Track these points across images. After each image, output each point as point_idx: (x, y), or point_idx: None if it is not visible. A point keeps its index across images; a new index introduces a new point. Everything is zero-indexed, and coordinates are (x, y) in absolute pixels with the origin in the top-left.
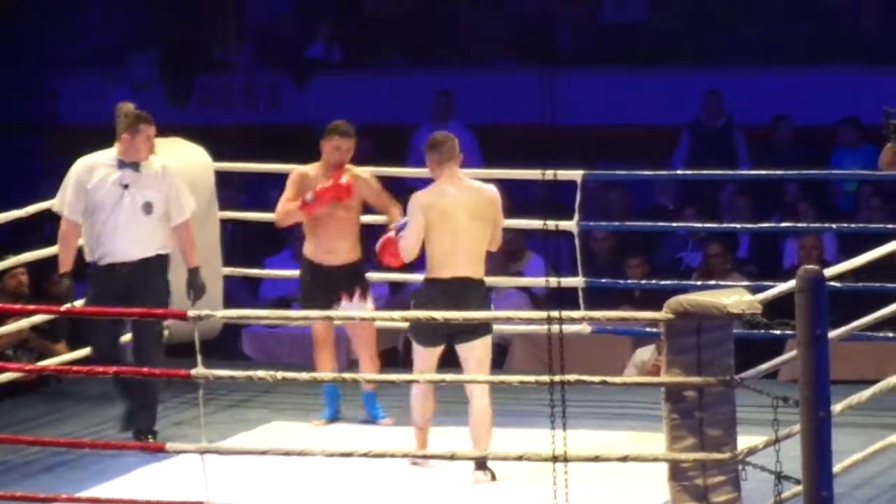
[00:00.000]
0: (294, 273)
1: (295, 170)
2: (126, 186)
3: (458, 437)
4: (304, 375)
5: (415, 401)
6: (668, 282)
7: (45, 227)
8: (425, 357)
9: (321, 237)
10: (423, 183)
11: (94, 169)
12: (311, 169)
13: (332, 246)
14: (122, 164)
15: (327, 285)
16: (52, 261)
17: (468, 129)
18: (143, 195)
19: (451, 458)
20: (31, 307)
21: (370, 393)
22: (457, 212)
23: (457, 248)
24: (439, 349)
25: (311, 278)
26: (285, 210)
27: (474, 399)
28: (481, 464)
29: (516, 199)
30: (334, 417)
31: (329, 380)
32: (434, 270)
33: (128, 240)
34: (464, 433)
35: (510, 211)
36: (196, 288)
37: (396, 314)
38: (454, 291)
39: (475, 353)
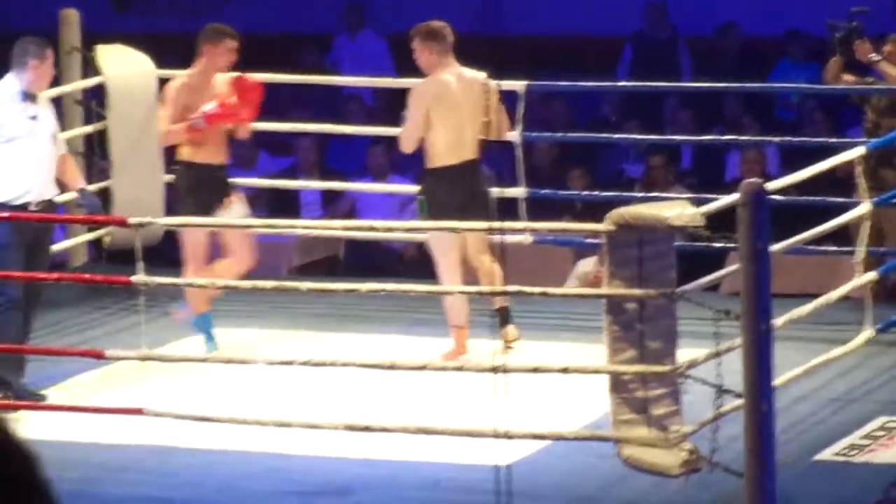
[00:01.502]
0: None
1: (172, 84)
2: (34, 118)
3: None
4: (245, 283)
5: (449, 299)
6: (610, 193)
7: None
8: (450, 246)
9: (205, 140)
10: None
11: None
12: (189, 77)
13: (217, 144)
14: (25, 96)
15: (216, 186)
16: None
17: (382, 38)
18: (48, 127)
19: (391, 367)
20: None
21: (206, 315)
22: (460, 102)
23: (462, 137)
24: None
25: (199, 181)
26: (168, 132)
27: (476, 261)
28: (505, 319)
29: None
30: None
31: (270, 288)
32: (440, 158)
33: (43, 176)
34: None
35: None
36: (91, 205)
37: (336, 223)
38: (465, 174)
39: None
